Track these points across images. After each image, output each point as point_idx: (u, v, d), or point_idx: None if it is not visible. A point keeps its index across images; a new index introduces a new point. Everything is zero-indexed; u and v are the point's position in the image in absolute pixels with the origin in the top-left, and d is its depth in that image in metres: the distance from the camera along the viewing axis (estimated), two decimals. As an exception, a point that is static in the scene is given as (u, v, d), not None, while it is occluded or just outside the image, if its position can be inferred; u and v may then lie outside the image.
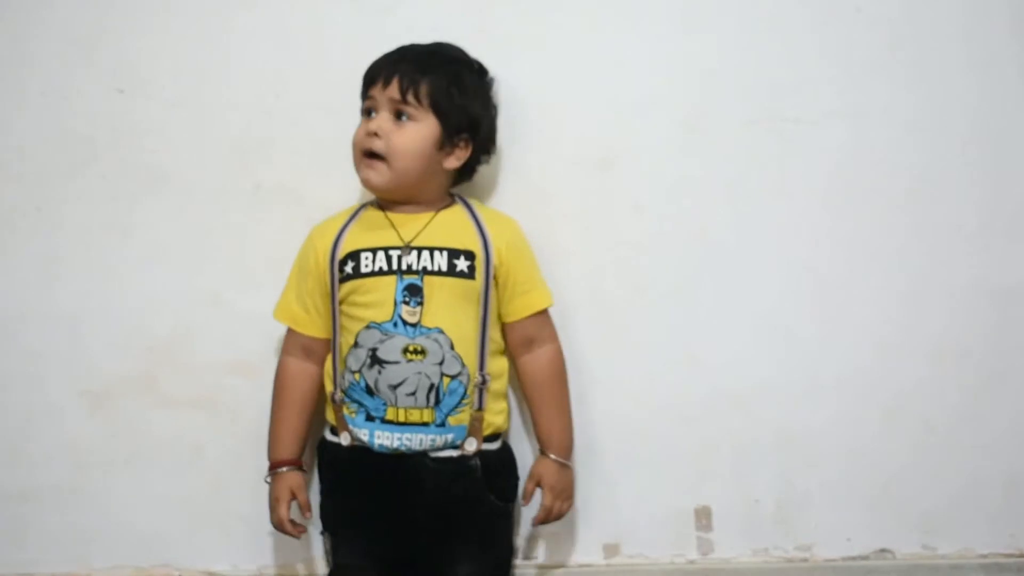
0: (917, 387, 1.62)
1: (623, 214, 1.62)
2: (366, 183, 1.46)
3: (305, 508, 1.47)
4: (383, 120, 1.43)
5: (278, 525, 1.47)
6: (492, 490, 1.46)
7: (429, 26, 1.53)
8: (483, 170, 1.58)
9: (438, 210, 1.48)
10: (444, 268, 1.43)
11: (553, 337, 1.51)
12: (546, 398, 1.50)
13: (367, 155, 1.44)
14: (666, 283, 1.62)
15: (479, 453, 1.44)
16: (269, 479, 1.48)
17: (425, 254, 1.44)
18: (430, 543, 1.43)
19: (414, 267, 1.43)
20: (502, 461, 1.49)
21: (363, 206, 1.52)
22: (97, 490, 1.63)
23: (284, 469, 1.47)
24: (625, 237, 1.62)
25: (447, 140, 1.45)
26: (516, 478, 1.51)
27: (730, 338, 1.62)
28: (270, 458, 1.49)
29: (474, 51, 1.54)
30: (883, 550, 1.63)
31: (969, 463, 1.62)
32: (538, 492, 1.49)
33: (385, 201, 1.49)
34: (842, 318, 1.62)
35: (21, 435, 1.63)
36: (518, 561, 1.62)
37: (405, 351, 1.41)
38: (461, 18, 1.59)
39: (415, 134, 1.43)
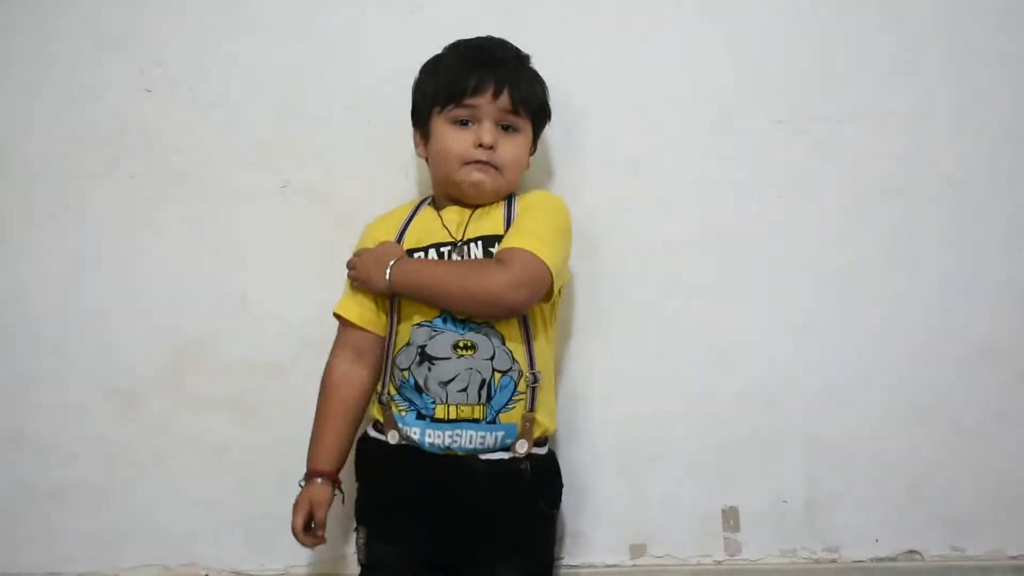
0: (947, 387, 1.61)
1: (651, 214, 1.62)
2: (475, 183, 1.42)
3: (319, 526, 1.43)
4: (494, 131, 1.41)
5: (292, 532, 1.43)
6: (541, 495, 1.43)
7: (456, 25, 1.53)
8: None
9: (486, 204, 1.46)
10: (481, 257, 1.40)
11: (513, 266, 1.34)
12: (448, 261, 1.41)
13: (472, 162, 1.42)
14: (694, 283, 1.62)
15: (528, 457, 1.40)
16: (302, 483, 1.44)
17: (467, 247, 1.41)
18: (472, 546, 1.38)
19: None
20: (550, 466, 1.46)
21: (420, 204, 1.50)
22: (125, 489, 1.63)
23: (318, 480, 1.43)
24: (653, 237, 1.62)
25: (533, 145, 1.49)
26: (561, 484, 1.47)
27: (758, 338, 1.61)
28: (307, 462, 1.45)
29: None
30: (911, 551, 1.62)
31: (999, 463, 1.61)
32: None
33: (446, 199, 1.47)
34: (870, 318, 1.62)
35: (49, 434, 1.63)
36: (544, 561, 1.62)
37: (455, 347, 1.38)
38: (488, 18, 1.59)
39: (523, 145, 1.45)
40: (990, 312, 1.61)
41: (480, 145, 1.41)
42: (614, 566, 1.62)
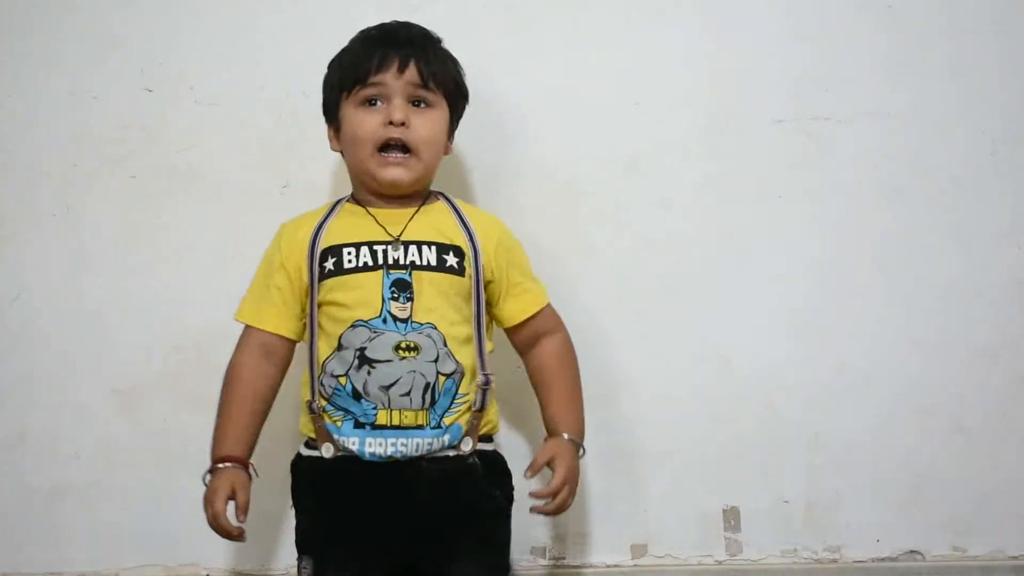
0: (948, 387, 1.61)
1: (651, 213, 1.62)
2: (393, 182, 1.35)
3: (242, 509, 1.30)
4: (404, 107, 1.34)
5: (213, 520, 1.30)
6: (497, 488, 1.37)
7: (457, 25, 1.52)
8: (510, 170, 1.58)
9: (420, 204, 1.40)
10: (433, 263, 1.34)
11: (558, 326, 1.43)
12: (556, 384, 1.41)
13: (383, 148, 1.35)
14: (694, 283, 1.62)
15: (475, 452, 1.34)
16: (207, 478, 1.32)
17: (413, 248, 1.34)
18: (430, 547, 1.31)
19: (402, 261, 1.34)
20: (498, 462, 1.40)
21: (338, 202, 1.43)
22: (125, 489, 1.63)
23: (227, 465, 1.31)
24: (653, 236, 1.62)
25: (451, 126, 1.41)
26: (511, 481, 1.40)
27: (759, 338, 1.61)
28: (212, 455, 1.34)
29: (501, 51, 1.55)
30: (913, 551, 1.62)
31: (1001, 464, 1.61)
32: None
33: (369, 194, 1.39)
34: (872, 318, 1.62)
35: (51, 434, 1.63)
36: (545, 562, 1.62)
37: (397, 348, 1.30)
38: (488, 17, 1.59)
39: (438, 121, 1.37)
40: (991, 312, 1.61)
41: (391, 123, 1.33)
42: (615, 566, 1.62)
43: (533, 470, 1.35)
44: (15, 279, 1.64)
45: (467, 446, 1.34)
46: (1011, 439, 1.61)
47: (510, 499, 1.39)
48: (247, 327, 1.39)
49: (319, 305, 1.35)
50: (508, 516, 1.39)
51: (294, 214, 1.61)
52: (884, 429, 1.61)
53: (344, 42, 1.61)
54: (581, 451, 1.40)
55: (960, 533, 1.62)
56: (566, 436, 1.38)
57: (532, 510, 1.35)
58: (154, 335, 1.63)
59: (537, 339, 1.43)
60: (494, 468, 1.38)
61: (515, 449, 1.57)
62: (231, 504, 1.31)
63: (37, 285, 1.63)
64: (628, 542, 1.62)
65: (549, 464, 1.35)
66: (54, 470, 1.63)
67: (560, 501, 1.34)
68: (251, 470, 1.34)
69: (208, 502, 1.30)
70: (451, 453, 1.33)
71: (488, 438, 1.39)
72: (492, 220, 1.44)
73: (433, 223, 1.38)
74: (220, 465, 1.32)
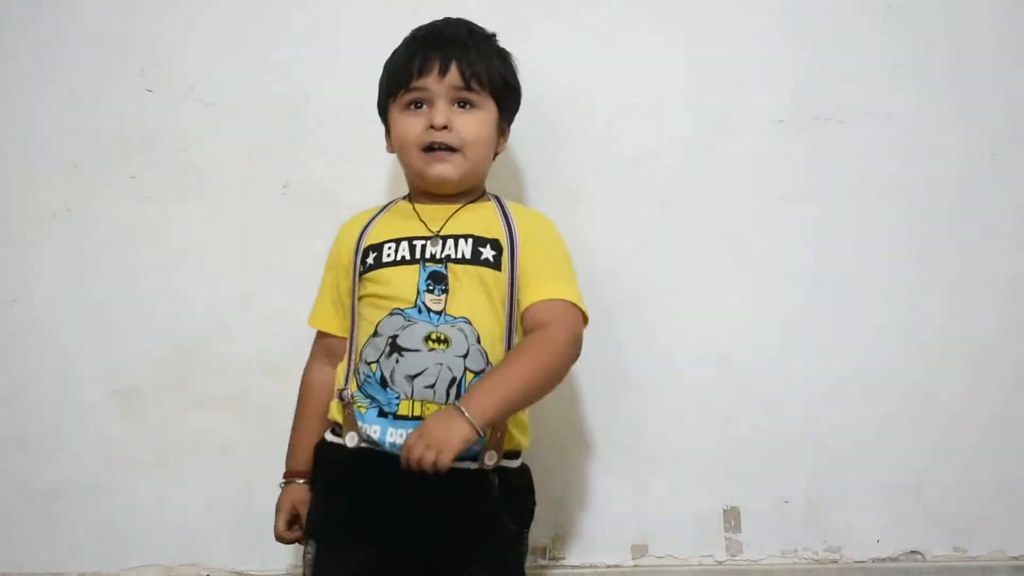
0: (949, 388, 1.61)
1: (653, 213, 1.62)
2: (439, 177, 1.35)
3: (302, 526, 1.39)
4: (447, 111, 1.34)
5: (275, 534, 1.41)
6: (509, 512, 1.32)
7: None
8: (513, 168, 1.58)
9: (468, 202, 1.39)
10: (468, 256, 1.33)
11: (563, 323, 1.31)
12: (503, 363, 1.28)
13: (430, 149, 1.35)
14: (696, 282, 1.62)
15: (497, 469, 1.30)
16: (282, 484, 1.42)
17: (450, 242, 1.34)
18: (430, 560, 1.27)
19: (438, 255, 1.33)
20: (521, 481, 1.36)
21: (392, 201, 1.45)
22: (127, 489, 1.63)
23: (298, 481, 1.40)
24: (655, 236, 1.62)
25: (502, 125, 1.41)
26: (533, 503, 1.38)
27: (760, 337, 1.61)
28: (285, 466, 1.43)
29: (501, 50, 1.54)
30: (913, 552, 1.62)
31: (1001, 464, 1.61)
32: None
33: (420, 194, 1.41)
34: (871, 318, 1.61)
35: (52, 434, 1.63)
36: (545, 562, 1.62)
37: (427, 339, 1.30)
38: (490, 17, 1.58)
39: (484, 121, 1.37)
40: (992, 312, 1.61)
41: (432, 127, 1.34)
42: (615, 566, 1.62)
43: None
44: (15, 279, 1.64)
45: (491, 460, 1.30)
46: (1011, 439, 1.61)
47: (525, 523, 1.36)
48: (317, 332, 1.45)
49: (360, 297, 1.37)
50: (521, 542, 1.36)
51: (294, 214, 1.63)
52: (884, 429, 1.61)
53: (344, 42, 1.63)
54: (469, 416, 1.20)
55: (960, 533, 1.61)
56: (455, 403, 1.23)
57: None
58: (154, 335, 1.63)
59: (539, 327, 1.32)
60: (512, 488, 1.33)
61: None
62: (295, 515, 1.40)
63: (37, 285, 1.64)
64: (628, 542, 1.62)
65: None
66: (54, 470, 1.63)
67: (414, 458, 1.19)
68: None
69: (276, 514, 1.41)
70: (472, 465, 1.29)
71: (515, 454, 1.34)
72: (533, 214, 1.42)
73: (475, 218, 1.37)
74: (287, 480, 1.41)
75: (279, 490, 1.42)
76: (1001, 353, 1.61)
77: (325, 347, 1.43)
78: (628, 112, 1.62)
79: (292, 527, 1.40)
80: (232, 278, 1.63)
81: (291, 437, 1.44)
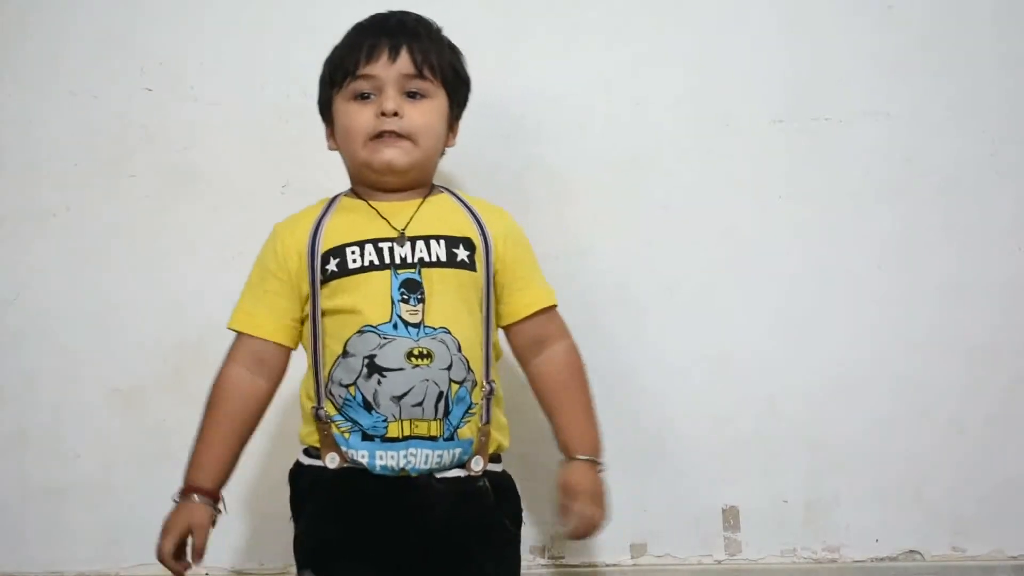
0: (947, 387, 1.61)
1: (650, 214, 1.62)
2: (388, 163, 1.26)
3: (197, 553, 1.23)
4: (397, 98, 1.26)
5: (159, 557, 1.23)
6: (506, 514, 1.29)
7: (457, 25, 1.52)
8: (510, 169, 1.58)
9: (424, 197, 1.31)
10: (443, 258, 1.26)
11: (564, 333, 1.33)
12: (568, 400, 1.31)
13: (378, 136, 1.27)
14: (694, 283, 1.62)
15: (485, 474, 1.27)
16: (176, 499, 1.26)
17: (420, 244, 1.26)
18: (437, 571, 1.23)
19: (409, 259, 1.25)
20: (507, 483, 1.32)
21: (335, 198, 1.34)
22: (126, 489, 1.63)
23: (195, 498, 1.25)
24: (652, 237, 1.62)
25: (452, 117, 1.33)
26: (520, 502, 1.34)
27: (758, 338, 1.61)
28: (184, 478, 1.27)
29: (500, 50, 1.55)
30: (912, 551, 1.62)
31: (1000, 464, 1.61)
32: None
33: (366, 188, 1.31)
34: (872, 318, 1.62)
35: (52, 432, 1.64)
36: (544, 562, 1.62)
37: (410, 355, 1.22)
38: (487, 18, 1.59)
39: (435, 111, 1.29)
40: (991, 312, 1.61)
41: (383, 114, 1.26)
42: (614, 565, 1.62)
43: (564, 513, 1.27)
44: (15, 279, 1.64)
45: (478, 466, 1.26)
46: (1010, 439, 1.61)
47: (519, 524, 1.33)
48: (238, 336, 1.30)
49: (323, 312, 1.26)
50: (517, 543, 1.33)
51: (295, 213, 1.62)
52: (884, 429, 1.61)
53: (344, 42, 1.62)
54: (599, 467, 1.31)
55: (960, 533, 1.62)
56: (581, 458, 1.29)
57: (570, 536, 1.29)
58: (154, 335, 1.63)
59: (542, 345, 1.33)
60: (503, 492, 1.30)
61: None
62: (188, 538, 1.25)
63: (37, 285, 1.64)
64: (628, 542, 1.62)
65: (572, 493, 1.27)
66: (55, 469, 1.63)
67: (592, 523, 1.27)
68: (220, 504, 1.28)
69: (162, 535, 1.23)
70: (462, 473, 1.26)
71: (497, 458, 1.31)
72: (499, 211, 1.36)
73: (440, 215, 1.30)
74: (187, 496, 1.26)
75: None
76: (1000, 353, 1.61)
77: (252, 353, 1.29)
78: (627, 112, 1.62)
79: (180, 555, 1.24)
80: (231, 277, 1.61)
81: (196, 444, 1.28)
